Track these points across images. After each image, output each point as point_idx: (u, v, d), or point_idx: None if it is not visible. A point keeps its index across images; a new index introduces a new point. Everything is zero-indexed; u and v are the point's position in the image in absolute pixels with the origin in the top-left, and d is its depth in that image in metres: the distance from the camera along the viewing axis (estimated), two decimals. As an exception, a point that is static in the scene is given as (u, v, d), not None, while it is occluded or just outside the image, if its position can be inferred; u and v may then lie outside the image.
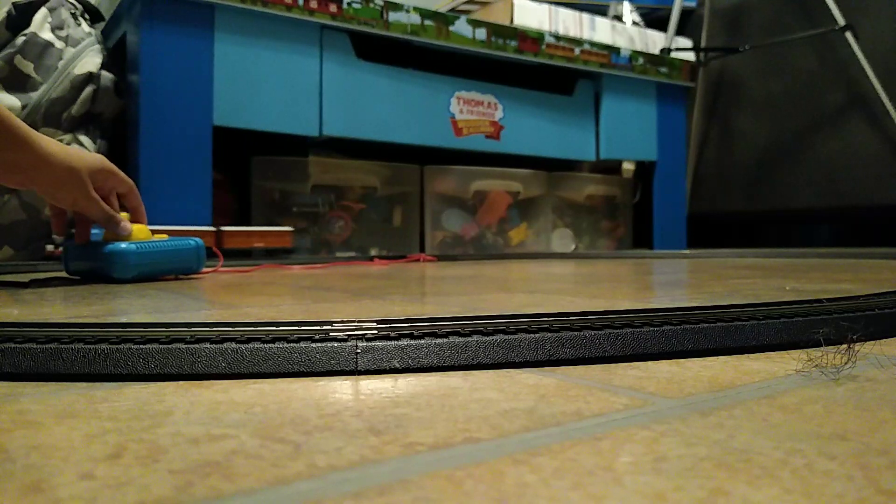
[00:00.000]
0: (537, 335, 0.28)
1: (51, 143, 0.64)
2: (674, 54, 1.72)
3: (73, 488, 0.15)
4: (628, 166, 1.70)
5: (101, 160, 0.70)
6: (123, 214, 0.73)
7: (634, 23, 1.85)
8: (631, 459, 0.16)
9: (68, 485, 0.15)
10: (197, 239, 0.78)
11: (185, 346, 0.26)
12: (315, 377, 0.26)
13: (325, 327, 0.29)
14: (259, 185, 1.23)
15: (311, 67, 1.19)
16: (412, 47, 1.31)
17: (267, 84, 1.15)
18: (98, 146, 1.10)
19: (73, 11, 1.12)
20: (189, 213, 1.08)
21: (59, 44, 1.07)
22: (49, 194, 0.67)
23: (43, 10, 1.07)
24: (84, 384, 0.25)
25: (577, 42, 1.49)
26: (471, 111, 1.38)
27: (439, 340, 0.27)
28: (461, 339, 0.28)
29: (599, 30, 1.67)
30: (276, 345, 0.26)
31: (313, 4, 1.16)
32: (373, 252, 1.32)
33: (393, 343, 0.27)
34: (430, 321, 0.30)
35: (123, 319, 0.42)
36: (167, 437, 0.18)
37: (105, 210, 0.70)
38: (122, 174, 0.72)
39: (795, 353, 0.30)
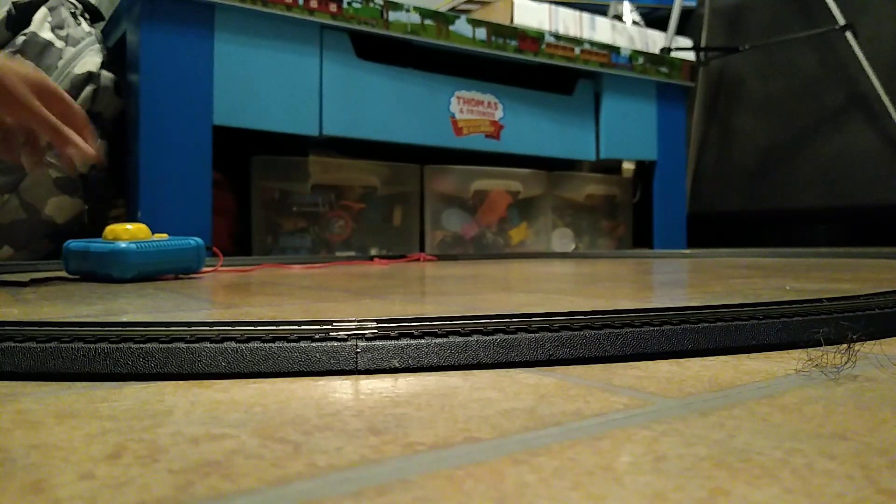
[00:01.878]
0: (537, 335, 0.28)
1: None
2: (674, 54, 1.72)
3: (73, 488, 0.15)
4: (628, 166, 1.70)
5: (42, 77, 0.62)
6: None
7: (634, 22, 1.84)
8: (631, 459, 0.16)
9: (68, 485, 0.15)
10: (197, 238, 0.78)
11: (185, 346, 0.26)
12: (315, 377, 0.26)
13: (325, 327, 0.29)
14: (259, 185, 1.23)
15: (311, 67, 1.19)
16: (412, 47, 1.31)
17: (267, 84, 1.15)
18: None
19: (73, 11, 1.12)
20: (189, 212, 1.08)
21: (59, 43, 1.07)
22: None
23: (43, 10, 1.07)
24: (84, 384, 0.25)
25: (577, 42, 1.48)
26: (471, 111, 1.38)
27: (439, 340, 0.27)
28: (461, 339, 0.28)
29: (599, 29, 1.67)
30: (276, 344, 0.26)
31: (313, 4, 1.16)
32: (373, 252, 1.32)
33: (393, 343, 0.27)
34: (430, 321, 0.30)
35: (123, 319, 0.42)
36: (167, 436, 0.18)
37: (50, 121, 0.61)
38: (68, 99, 0.64)
39: (795, 353, 0.30)
